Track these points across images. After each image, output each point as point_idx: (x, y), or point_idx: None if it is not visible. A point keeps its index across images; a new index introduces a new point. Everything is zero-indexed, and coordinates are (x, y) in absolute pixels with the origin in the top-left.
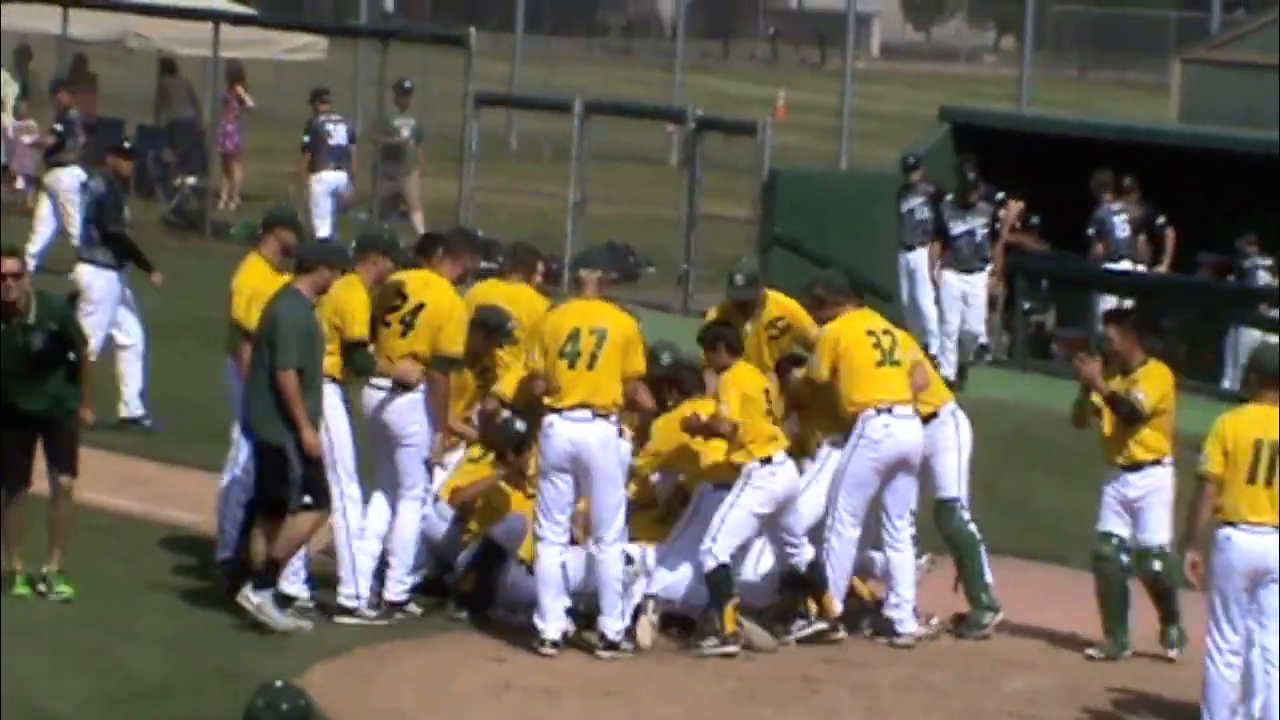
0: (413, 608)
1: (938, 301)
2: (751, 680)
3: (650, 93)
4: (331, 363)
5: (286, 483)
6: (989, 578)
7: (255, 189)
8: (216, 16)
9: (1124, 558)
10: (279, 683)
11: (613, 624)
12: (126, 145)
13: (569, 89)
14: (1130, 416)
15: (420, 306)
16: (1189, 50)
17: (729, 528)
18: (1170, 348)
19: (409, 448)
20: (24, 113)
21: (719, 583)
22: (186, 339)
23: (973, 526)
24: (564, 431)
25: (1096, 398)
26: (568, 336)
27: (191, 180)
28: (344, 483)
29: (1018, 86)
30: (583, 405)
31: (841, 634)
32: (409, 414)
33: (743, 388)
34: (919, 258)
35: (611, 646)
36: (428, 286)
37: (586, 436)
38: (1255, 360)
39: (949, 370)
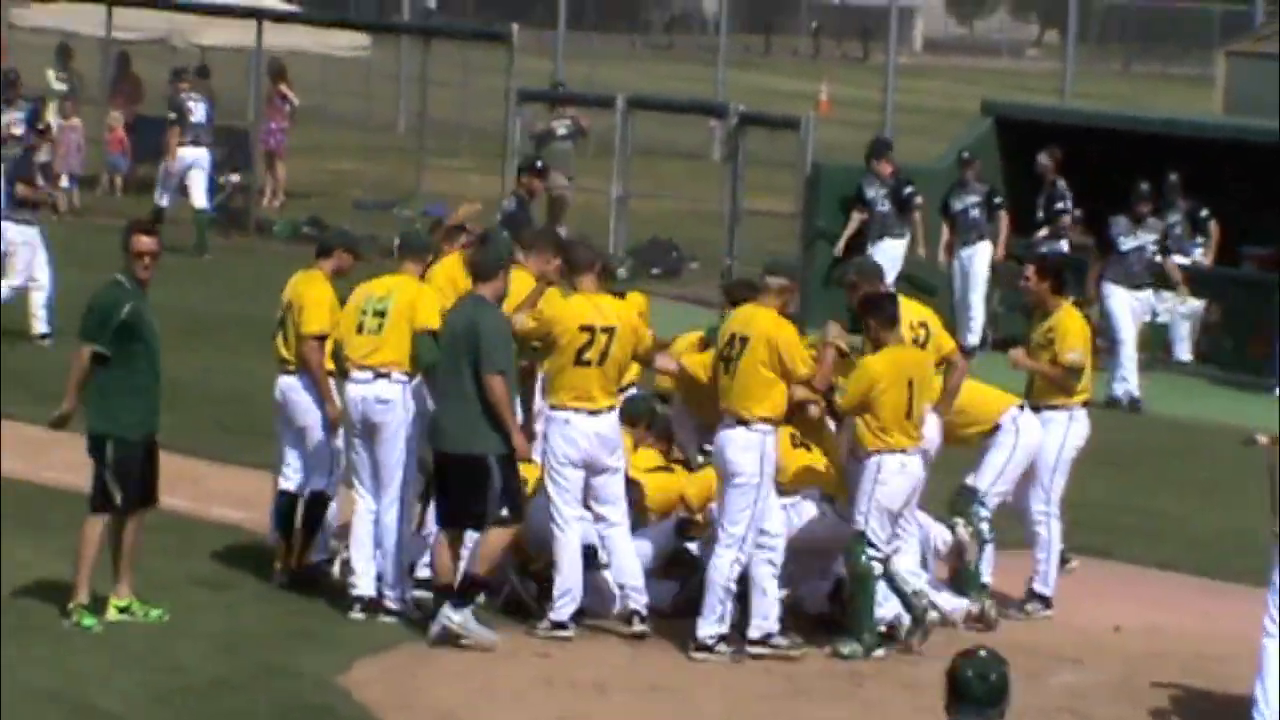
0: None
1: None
2: (798, 676)
3: (693, 88)
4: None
5: (485, 495)
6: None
7: (300, 186)
8: (260, 14)
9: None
10: (982, 651)
11: (710, 628)
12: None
13: (612, 85)
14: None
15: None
16: (1233, 43)
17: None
18: (1217, 341)
19: (389, 441)
20: (70, 111)
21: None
22: (231, 335)
23: (985, 524)
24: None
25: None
26: (725, 342)
27: (235, 178)
28: (409, 484)
29: (1061, 80)
30: (725, 411)
31: (801, 652)
32: (397, 406)
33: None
34: (975, 256)
35: (704, 649)
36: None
37: (727, 444)
38: None
39: (1129, 388)
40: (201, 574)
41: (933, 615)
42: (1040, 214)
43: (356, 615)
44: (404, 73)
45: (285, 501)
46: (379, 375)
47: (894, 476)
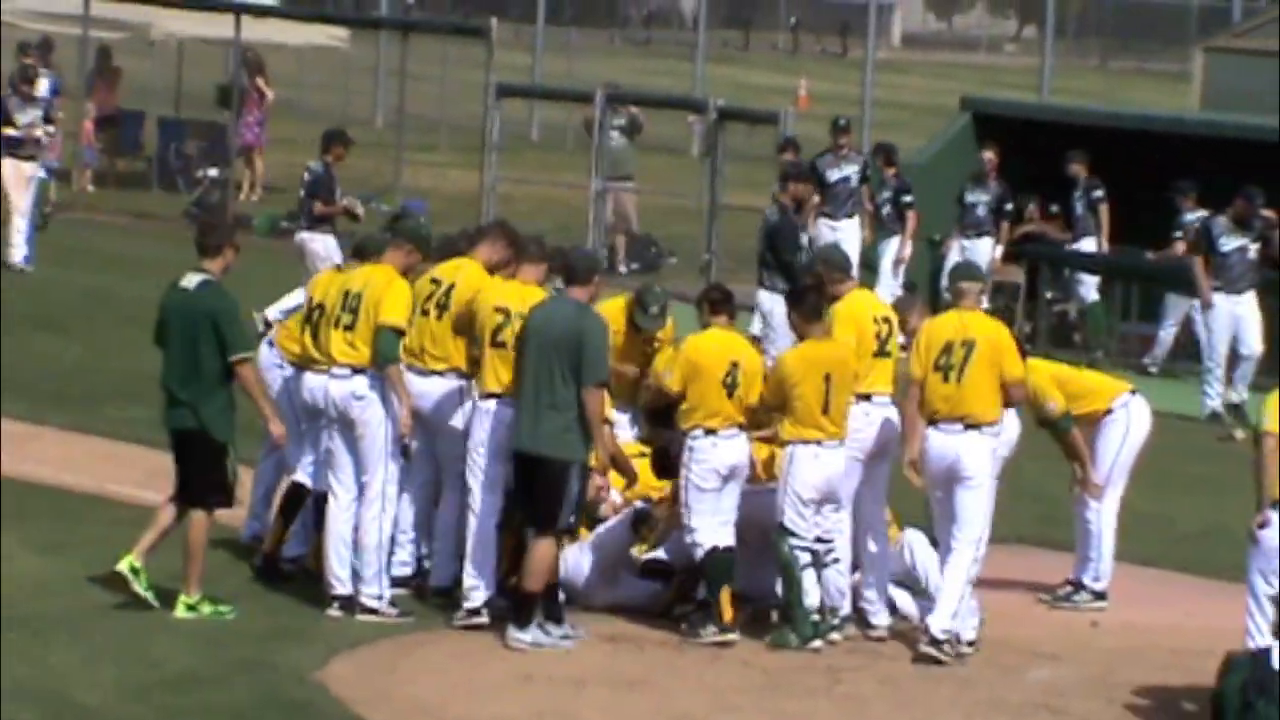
0: (388, 608)
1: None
2: (776, 671)
3: (672, 83)
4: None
5: (561, 501)
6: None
7: (278, 180)
8: (237, 8)
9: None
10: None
11: (944, 622)
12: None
13: (590, 80)
14: None
15: None
16: (1211, 39)
17: (691, 511)
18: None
19: (369, 437)
20: (56, 107)
21: (711, 569)
22: None
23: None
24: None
25: None
26: (941, 349)
27: (213, 172)
28: (390, 484)
29: (1039, 76)
30: (959, 419)
31: (735, 636)
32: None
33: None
34: (975, 249)
35: (936, 644)
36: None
37: (958, 447)
38: None
39: (1216, 401)
40: (178, 569)
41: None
42: (1079, 209)
43: (334, 613)
44: (382, 67)
45: (297, 493)
46: (356, 371)
47: (807, 466)
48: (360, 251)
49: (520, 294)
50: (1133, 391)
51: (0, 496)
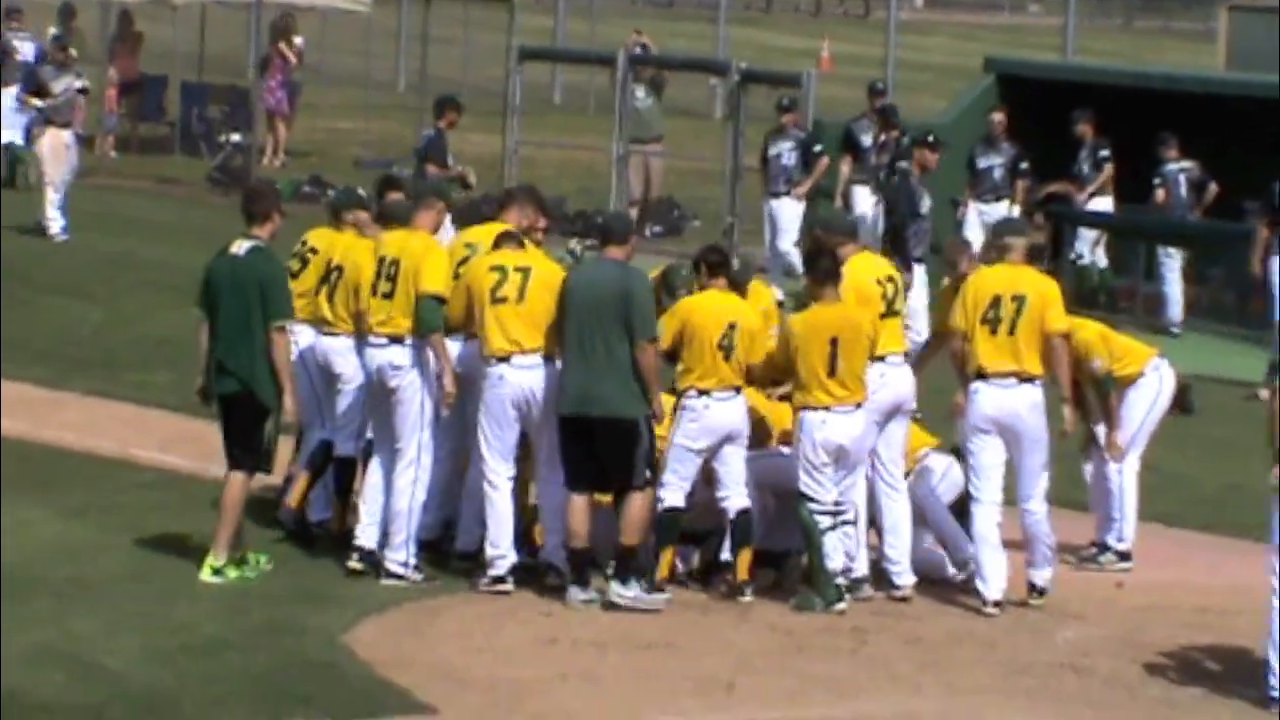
0: (413, 574)
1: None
2: (801, 633)
3: (694, 45)
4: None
5: (635, 457)
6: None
7: (300, 145)
8: None
9: None
10: None
11: (1046, 574)
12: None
13: (612, 42)
14: None
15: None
16: None
17: (669, 465)
18: (1217, 296)
19: (405, 404)
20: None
21: (662, 529)
22: None
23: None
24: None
25: None
26: (989, 303)
27: (236, 137)
28: (424, 452)
29: (1063, 36)
30: (1012, 374)
31: (749, 597)
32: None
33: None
34: (993, 214)
35: (1042, 593)
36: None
37: (1016, 403)
38: None
39: None
40: (203, 533)
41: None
42: (1085, 169)
43: (354, 564)
44: (405, 31)
45: (327, 452)
46: (393, 340)
47: (815, 432)
48: (336, 210)
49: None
50: (1161, 356)
51: (11, 462)
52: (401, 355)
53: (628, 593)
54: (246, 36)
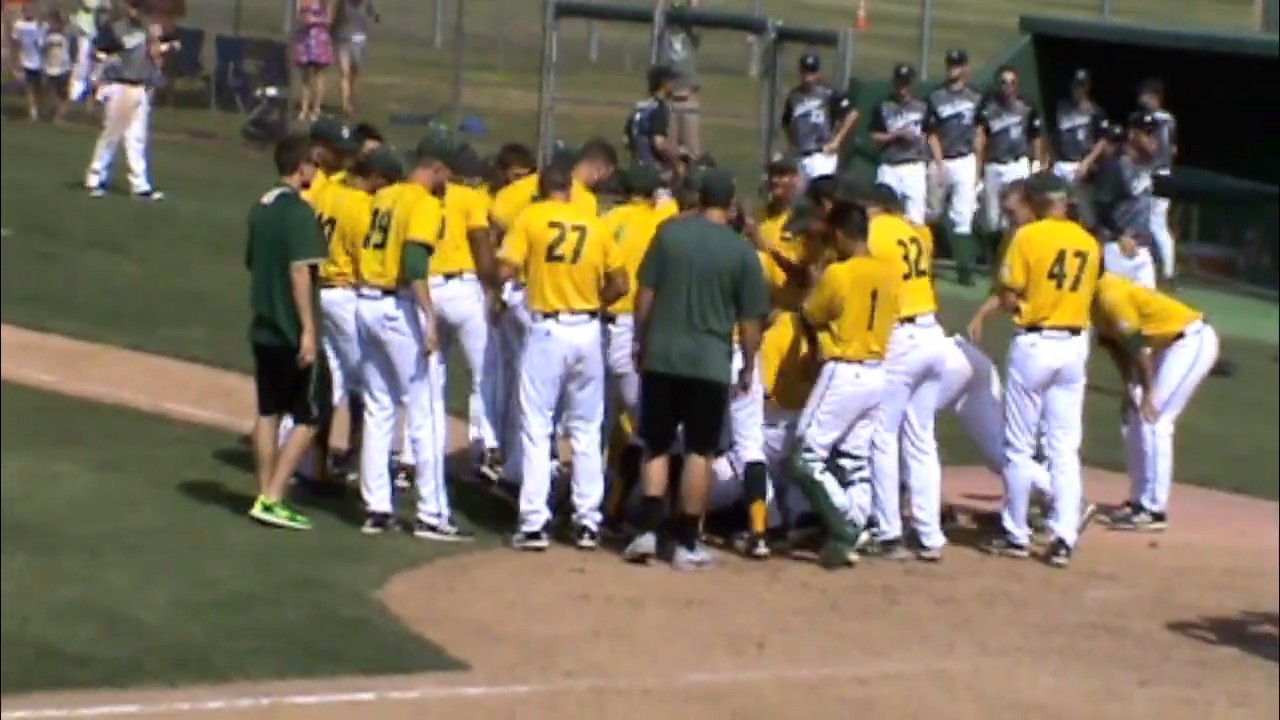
0: (447, 526)
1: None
2: (833, 592)
3: (731, 3)
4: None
5: (721, 423)
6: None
7: (335, 100)
8: None
9: None
10: None
11: (1072, 531)
12: None
13: None
14: None
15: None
16: None
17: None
18: (1255, 258)
19: (402, 353)
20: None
21: (752, 479)
22: None
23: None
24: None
25: None
26: (1055, 258)
27: (271, 91)
28: (436, 400)
29: None
30: (1067, 327)
31: (764, 549)
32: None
33: None
34: (1010, 175)
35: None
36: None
37: (1070, 354)
38: None
39: None
40: (234, 488)
41: (860, 536)
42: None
43: (369, 530)
44: None
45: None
46: (386, 292)
47: (846, 385)
48: (363, 169)
49: (569, 208)
50: (1204, 320)
51: (42, 414)
52: (395, 307)
53: (695, 558)
54: None
